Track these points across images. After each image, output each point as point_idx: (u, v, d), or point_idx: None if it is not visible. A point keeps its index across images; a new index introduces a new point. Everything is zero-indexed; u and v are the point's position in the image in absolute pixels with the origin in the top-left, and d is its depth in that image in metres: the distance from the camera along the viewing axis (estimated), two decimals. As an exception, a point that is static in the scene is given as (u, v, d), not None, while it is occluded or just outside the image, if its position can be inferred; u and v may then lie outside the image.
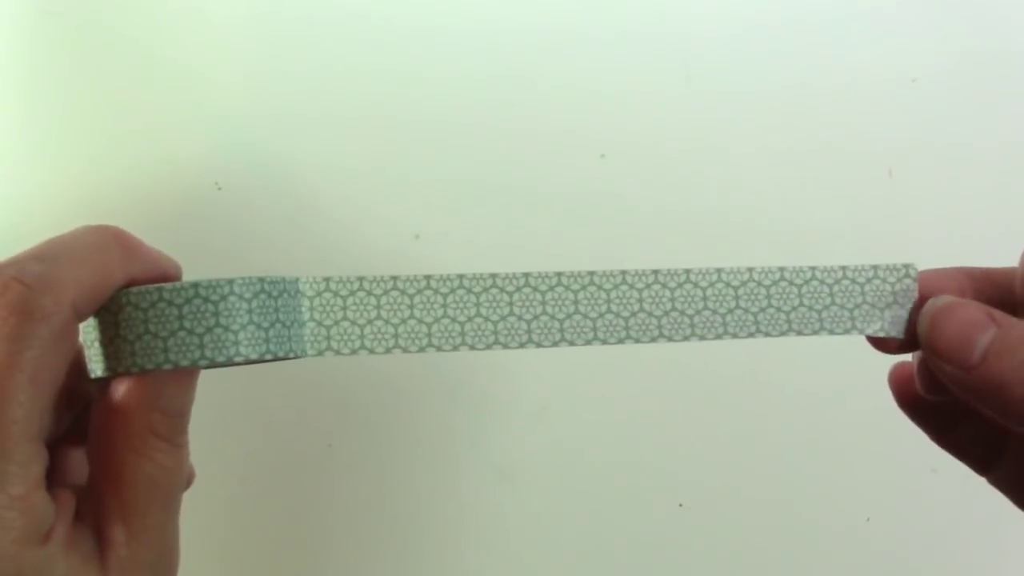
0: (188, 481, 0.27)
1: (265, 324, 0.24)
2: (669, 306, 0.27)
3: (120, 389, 0.25)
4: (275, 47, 0.54)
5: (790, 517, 0.55)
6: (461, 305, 0.26)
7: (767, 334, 0.28)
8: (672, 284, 0.27)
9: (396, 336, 0.26)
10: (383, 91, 0.54)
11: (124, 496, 0.24)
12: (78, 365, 0.26)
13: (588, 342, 0.27)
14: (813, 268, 0.29)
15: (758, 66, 0.56)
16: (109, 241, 0.25)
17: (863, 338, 0.30)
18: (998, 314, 0.26)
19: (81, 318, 0.24)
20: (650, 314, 0.27)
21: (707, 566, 0.55)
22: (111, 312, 0.24)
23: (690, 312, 0.27)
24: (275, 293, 0.25)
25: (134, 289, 0.24)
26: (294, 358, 0.26)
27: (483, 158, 0.54)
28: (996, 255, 0.32)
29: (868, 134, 0.56)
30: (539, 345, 0.27)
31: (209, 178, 0.53)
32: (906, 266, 0.29)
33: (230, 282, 0.24)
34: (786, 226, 0.55)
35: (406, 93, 0.54)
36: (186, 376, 0.25)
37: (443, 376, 0.54)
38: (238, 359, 0.24)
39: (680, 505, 0.55)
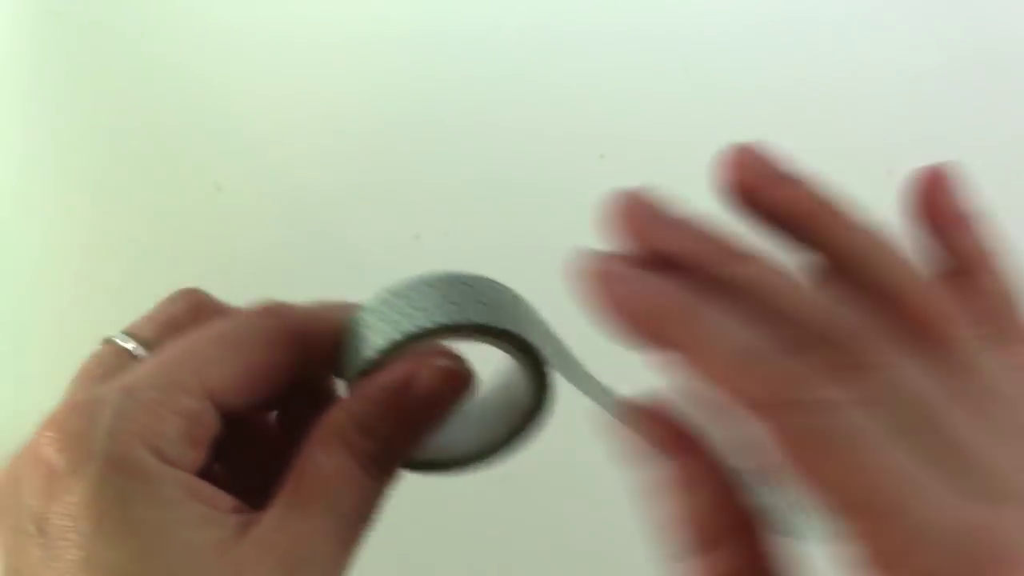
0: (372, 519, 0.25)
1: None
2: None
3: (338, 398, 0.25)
4: (275, 48, 0.54)
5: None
6: None
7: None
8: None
9: None
10: (383, 91, 0.54)
11: (292, 482, 0.24)
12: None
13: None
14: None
15: (758, 66, 0.56)
16: (261, 334, 0.24)
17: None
18: None
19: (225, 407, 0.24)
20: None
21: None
22: (371, 311, 0.25)
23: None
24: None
25: (392, 285, 0.25)
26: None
27: (483, 158, 0.54)
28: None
29: (868, 134, 0.56)
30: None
31: (209, 178, 0.53)
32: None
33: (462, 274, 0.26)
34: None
35: (406, 93, 0.54)
36: (381, 394, 0.25)
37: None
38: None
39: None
